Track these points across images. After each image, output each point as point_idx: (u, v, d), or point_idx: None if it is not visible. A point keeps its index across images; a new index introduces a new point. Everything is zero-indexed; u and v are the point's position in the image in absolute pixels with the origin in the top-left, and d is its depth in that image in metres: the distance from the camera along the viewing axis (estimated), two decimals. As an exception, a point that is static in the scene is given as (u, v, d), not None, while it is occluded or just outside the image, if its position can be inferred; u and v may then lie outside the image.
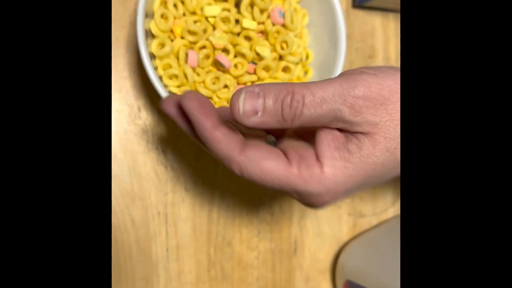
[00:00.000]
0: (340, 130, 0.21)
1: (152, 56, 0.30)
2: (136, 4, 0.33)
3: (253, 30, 0.33)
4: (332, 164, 0.20)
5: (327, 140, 0.21)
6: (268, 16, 0.33)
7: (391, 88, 0.20)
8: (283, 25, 0.33)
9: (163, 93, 0.29)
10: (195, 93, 0.20)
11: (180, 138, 0.35)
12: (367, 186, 0.22)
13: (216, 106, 0.32)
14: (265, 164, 0.20)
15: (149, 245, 0.34)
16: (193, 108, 0.20)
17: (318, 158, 0.21)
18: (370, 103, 0.20)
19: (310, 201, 0.21)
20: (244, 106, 0.20)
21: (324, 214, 0.40)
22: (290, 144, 0.23)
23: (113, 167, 0.33)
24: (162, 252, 0.34)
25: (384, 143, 0.20)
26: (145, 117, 0.34)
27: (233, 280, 0.37)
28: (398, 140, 0.20)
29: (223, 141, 0.20)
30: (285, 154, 0.21)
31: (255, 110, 0.20)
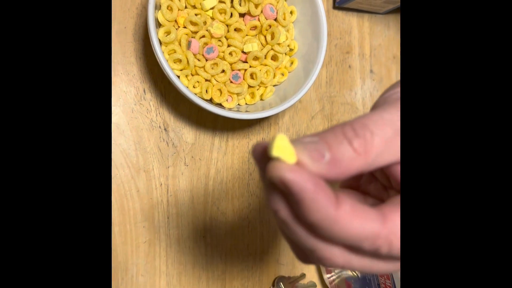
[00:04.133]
0: None
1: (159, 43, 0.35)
2: (143, -3, 0.37)
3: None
4: None
5: None
6: (261, 11, 0.38)
7: None
8: (275, 19, 0.38)
9: (170, 72, 0.33)
10: (299, 171, 0.14)
11: (180, 119, 0.39)
12: None
13: (214, 88, 0.37)
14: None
15: (152, 213, 0.38)
16: (304, 183, 0.14)
17: None
18: None
19: None
20: (304, 153, 0.15)
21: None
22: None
23: (121, 141, 0.37)
24: (163, 219, 0.38)
25: None
26: (149, 98, 0.39)
27: (226, 246, 0.41)
28: None
29: (357, 217, 0.15)
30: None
31: (319, 153, 0.15)
